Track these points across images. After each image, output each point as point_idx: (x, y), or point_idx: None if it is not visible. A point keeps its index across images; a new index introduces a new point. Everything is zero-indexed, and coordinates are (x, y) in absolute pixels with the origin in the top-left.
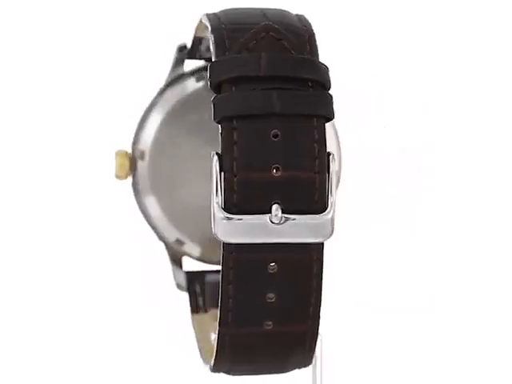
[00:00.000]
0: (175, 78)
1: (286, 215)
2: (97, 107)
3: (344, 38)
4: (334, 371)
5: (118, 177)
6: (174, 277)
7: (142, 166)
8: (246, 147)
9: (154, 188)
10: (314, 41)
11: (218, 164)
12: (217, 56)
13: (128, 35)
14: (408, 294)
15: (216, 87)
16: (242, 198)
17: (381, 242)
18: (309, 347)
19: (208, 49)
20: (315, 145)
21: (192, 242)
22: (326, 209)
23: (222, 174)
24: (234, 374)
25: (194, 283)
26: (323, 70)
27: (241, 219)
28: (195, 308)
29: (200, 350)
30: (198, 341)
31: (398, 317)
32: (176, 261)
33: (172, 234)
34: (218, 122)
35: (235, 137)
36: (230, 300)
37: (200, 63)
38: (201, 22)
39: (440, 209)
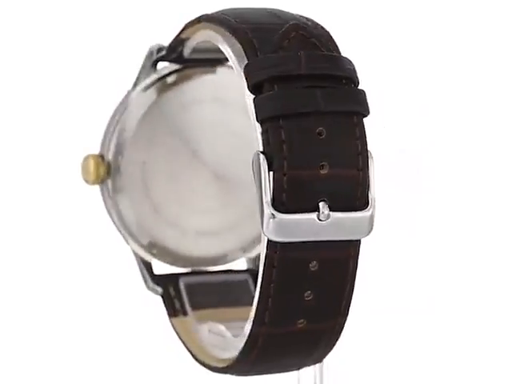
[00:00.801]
0: (147, 81)
1: (331, 212)
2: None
3: (343, 39)
4: (335, 371)
5: (90, 181)
6: (145, 281)
7: (117, 169)
8: (295, 146)
9: (128, 191)
10: (333, 38)
11: (265, 163)
12: (248, 56)
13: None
14: (407, 294)
15: (255, 87)
16: (291, 197)
17: (380, 243)
18: (331, 343)
19: (195, 50)
20: (357, 142)
21: (164, 245)
22: (367, 205)
23: (271, 173)
24: (246, 375)
25: (167, 286)
26: (351, 66)
27: (290, 218)
28: (172, 311)
29: (192, 353)
30: (187, 344)
31: (397, 317)
32: (146, 264)
33: (144, 238)
34: (261, 122)
35: (283, 136)
36: (270, 299)
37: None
38: (198, 22)
39: (439, 210)
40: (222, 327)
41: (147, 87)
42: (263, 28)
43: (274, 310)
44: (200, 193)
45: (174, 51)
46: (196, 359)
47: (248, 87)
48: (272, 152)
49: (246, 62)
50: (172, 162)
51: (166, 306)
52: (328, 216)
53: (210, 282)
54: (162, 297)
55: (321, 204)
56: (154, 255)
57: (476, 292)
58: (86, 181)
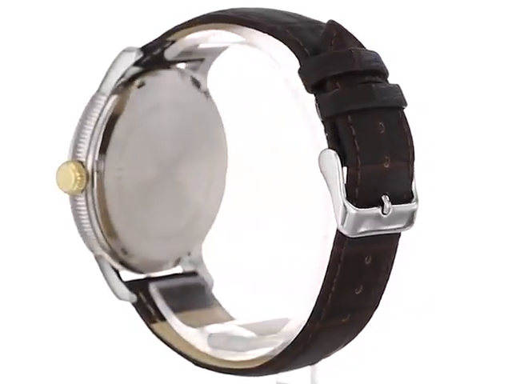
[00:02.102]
0: (118, 84)
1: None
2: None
3: None
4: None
5: (72, 190)
6: (117, 289)
7: (99, 176)
8: (366, 141)
9: (109, 199)
10: None
11: (338, 159)
12: (299, 56)
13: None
14: (406, 294)
15: (316, 86)
16: (363, 192)
17: None
18: (356, 334)
19: (183, 53)
20: (407, 135)
21: (133, 251)
22: (412, 197)
23: (345, 168)
24: (272, 374)
25: (137, 293)
26: (383, 61)
27: (363, 213)
28: (149, 318)
29: (192, 359)
30: (183, 350)
31: (395, 317)
32: (117, 272)
33: (118, 245)
34: (325, 119)
35: (353, 132)
36: (330, 295)
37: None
38: (203, 23)
39: (439, 209)
40: (236, 328)
41: (119, 91)
42: (295, 27)
43: (331, 306)
44: (163, 198)
45: (148, 54)
46: (200, 364)
47: (306, 87)
48: (344, 148)
49: (298, 61)
50: (140, 168)
51: (140, 313)
52: (389, 209)
53: (178, 285)
54: (134, 304)
55: (383, 197)
56: (121, 262)
57: (476, 292)
58: (65, 190)
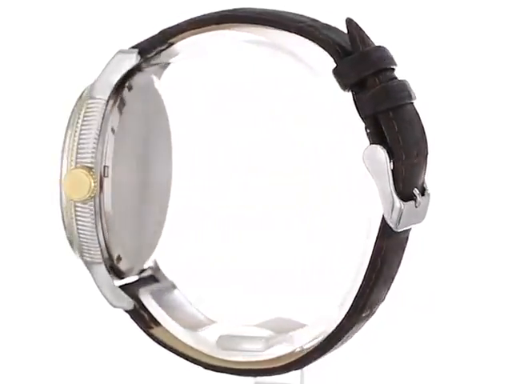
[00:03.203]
0: (114, 88)
1: None
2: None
3: None
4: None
5: (83, 199)
6: (115, 296)
7: (108, 183)
8: (407, 136)
9: (113, 205)
10: None
11: (386, 154)
12: (332, 55)
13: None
14: (406, 294)
15: (355, 85)
16: (405, 185)
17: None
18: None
19: (171, 54)
20: (423, 130)
21: (126, 258)
22: (424, 190)
23: (391, 163)
24: (293, 370)
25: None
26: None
27: (406, 206)
28: (143, 323)
29: (194, 360)
30: (183, 352)
31: (394, 317)
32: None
33: (115, 251)
34: (368, 116)
35: (396, 127)
36: (367, 290)
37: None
38: (216, 23)
39: (439, 209)
40: (251, 329)
41: (115, 94)
42: (315, 26)
43: (367, 300)
44: (146, 201)
45: (143, 56)
46: (208, 367)
47: (344, 86)
48: (389, 143)
49: (333, 60)
50: (131, 171)
51: (135, 319)
52: (419, 203)
53: (161, 288)
54: (128, 311)
55: (415, 191)
56: (112, 268)
57: (476, 292)
58: (77, 197)
